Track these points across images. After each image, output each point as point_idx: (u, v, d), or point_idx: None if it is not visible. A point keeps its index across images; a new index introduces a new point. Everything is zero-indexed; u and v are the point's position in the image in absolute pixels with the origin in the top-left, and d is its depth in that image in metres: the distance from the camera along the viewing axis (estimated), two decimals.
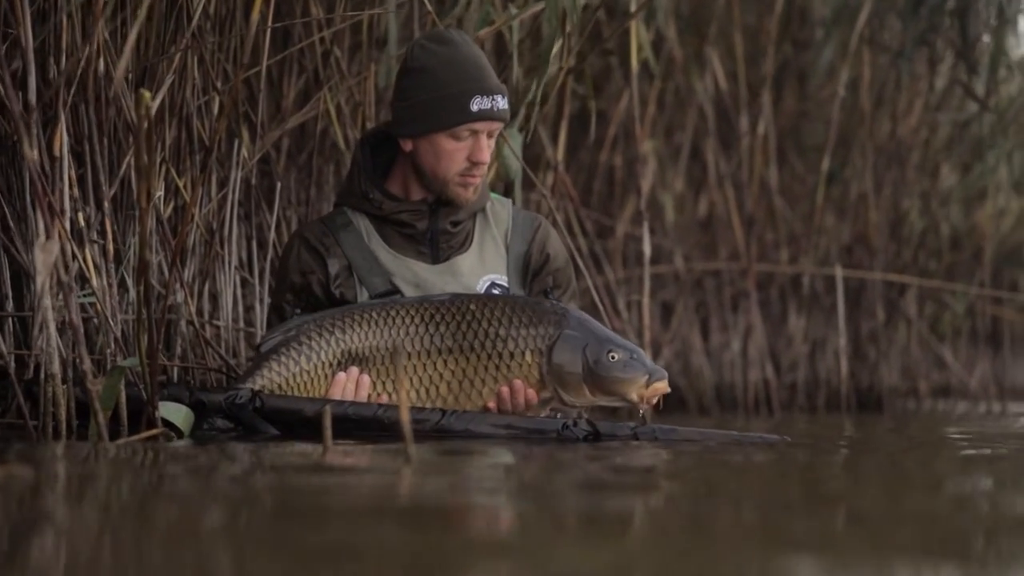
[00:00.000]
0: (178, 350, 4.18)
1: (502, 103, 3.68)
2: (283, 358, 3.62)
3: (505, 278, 3.78)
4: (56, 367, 3.59)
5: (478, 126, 3.66)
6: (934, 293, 8.15)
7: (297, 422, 3.49)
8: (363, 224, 3.77)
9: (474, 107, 3.64)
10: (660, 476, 2.94)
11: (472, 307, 3.61)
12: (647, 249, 4.70)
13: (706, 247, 7.50)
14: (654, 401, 3.56)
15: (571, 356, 3.56)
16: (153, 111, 3.92)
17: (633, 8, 4.52)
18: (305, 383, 3.61)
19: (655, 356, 6.79)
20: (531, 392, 3.57)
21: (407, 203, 3.75)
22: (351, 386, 3.58)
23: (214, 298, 4.47)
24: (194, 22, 4.01)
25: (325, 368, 3.61)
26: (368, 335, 3.61)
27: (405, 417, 2.82)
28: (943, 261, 8.14)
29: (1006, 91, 7.90)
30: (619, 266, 6.85)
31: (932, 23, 7.18)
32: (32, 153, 3.51)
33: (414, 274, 3.73)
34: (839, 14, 7.39)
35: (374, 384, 3.60)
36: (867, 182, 7.59)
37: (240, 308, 4.51)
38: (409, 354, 3.59)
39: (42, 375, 3.62)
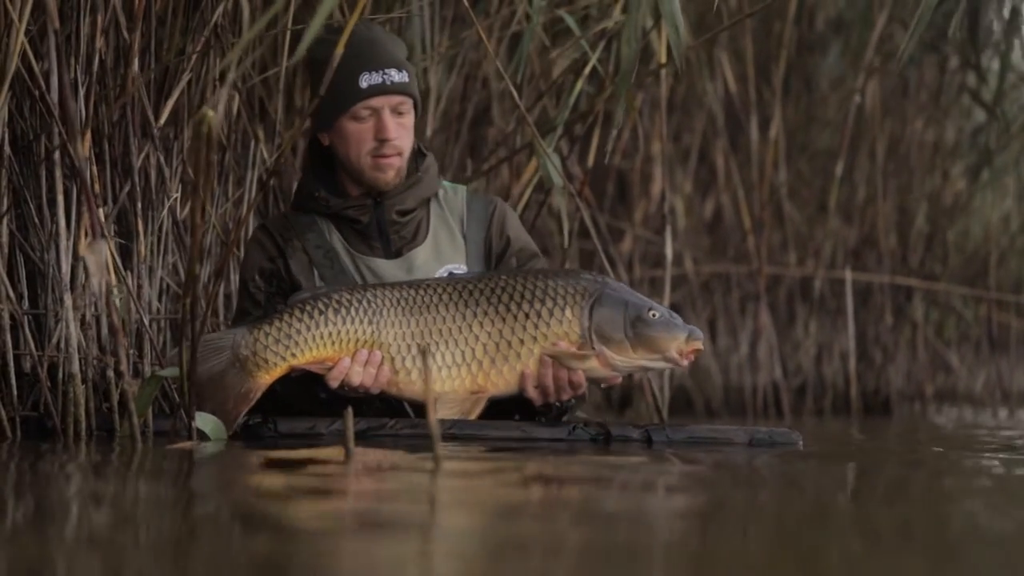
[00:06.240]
0: None
1: (397, 76, 3.60)
2: (311, 310, 3.50)
3: (464, 267, 3.71)
4: (76, 367, 3.57)
5: (373, 103, 3.60)
6: (939, 297, 8.14)
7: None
8: (323, 223, 3.72)
9: (363, 83, 3.59)
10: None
11: (503, 276, 3.56)
12: (669, 252, 4.68)
13: (712, 249, 7.49)
14: (692, 359, 3.52)
15: (613, 313, 3.50)
16: (166, 114, 3.94)
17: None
18: (330, 341, 3.49)
19: None
20: (575, 350, 3.48)
21: (351, 198, 3.70)
22: (368, 368, 3.47)
23: (227, 299, 4.45)
24: (213, 21, 3.99)
25: (351, 330, 3.49)
26: (399, 302, 3.50)
27: (433, 418, 2.82)
28: (949, 265, 8.13)
29: (1014, 98, 7.90)
30: (632, 268, 6.83)
31: (941, 30, 7.19)
32: (84, 152, 3.48)
33: (371, 270, 3.68)
34: (843, 22, 7.41)
35: (401, 354, 3.49)
36: (876, 185, 7.58)
37: None
38: (444, 318, 3.51)
39: (61, 375, 3.61)
